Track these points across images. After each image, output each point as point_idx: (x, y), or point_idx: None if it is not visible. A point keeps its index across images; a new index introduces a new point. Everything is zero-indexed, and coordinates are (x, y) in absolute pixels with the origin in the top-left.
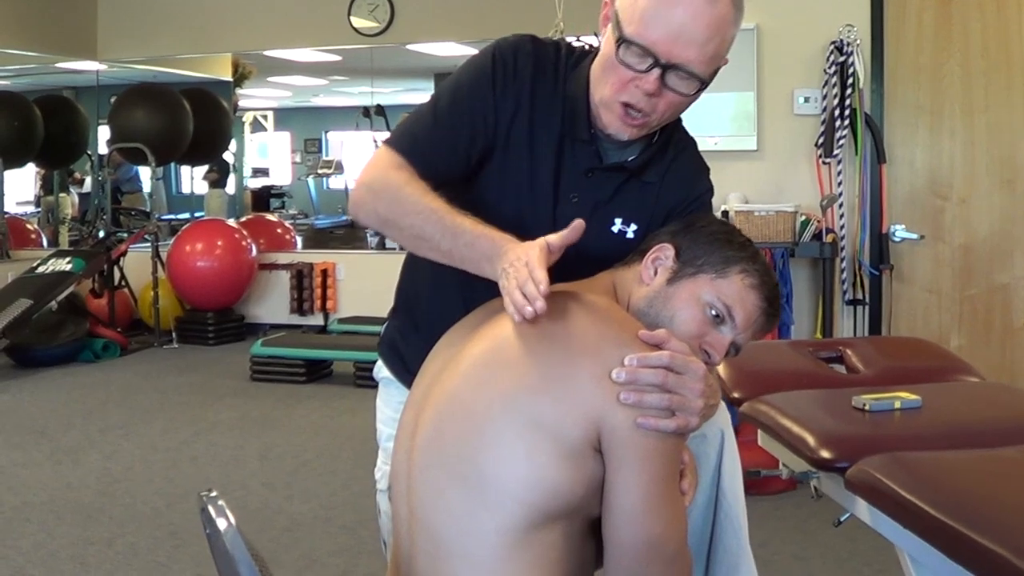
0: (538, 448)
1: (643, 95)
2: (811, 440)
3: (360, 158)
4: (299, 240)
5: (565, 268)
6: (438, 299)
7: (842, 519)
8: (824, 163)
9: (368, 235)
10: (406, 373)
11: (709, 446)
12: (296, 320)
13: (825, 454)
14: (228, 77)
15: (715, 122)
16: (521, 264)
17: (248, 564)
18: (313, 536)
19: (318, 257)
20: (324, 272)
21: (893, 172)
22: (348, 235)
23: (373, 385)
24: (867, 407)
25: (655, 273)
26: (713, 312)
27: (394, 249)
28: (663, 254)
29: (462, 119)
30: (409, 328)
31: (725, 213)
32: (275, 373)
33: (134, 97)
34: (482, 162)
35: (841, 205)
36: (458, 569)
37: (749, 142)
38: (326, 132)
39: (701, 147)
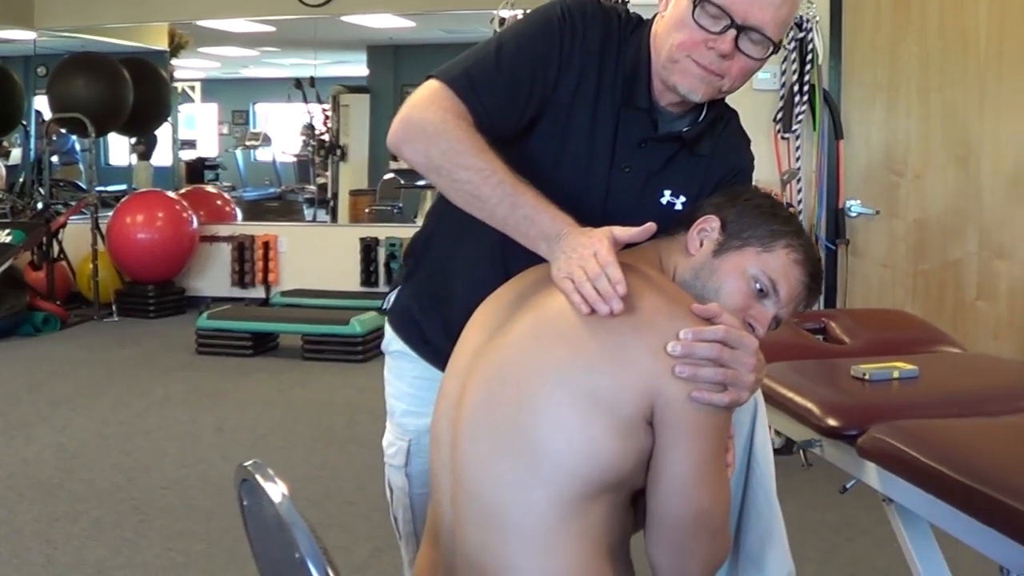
0: (593, 420)
1: (716, 56)
2: (817, 409)
3: (288, 130)
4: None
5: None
6: (473, 268)
7: (848, 486)
8: (783, 138)
9: (304, 207)
10: (424, 344)
11: (743, 413)
12: (237, 293)
13: (833, 422)
14: (164, 47)
15: None
16: (590, 255)
17: (305, 531)
18: None
19: (260, 229)
20: (266, 245)
21: (850, 148)
22: (283, 207)
23: (321, 358)
24: (867, 376)
25: (700, 244)
26: (758, 286)
27: (337, 223)
28: (708, 226)
29: (526, 74)
30: (428, 296)
31: None
32: (221, 346)
33: (73, 67)
34: (533, 122)
35: (799, 180)
36: (508, 539)
37: None
38: (254, 104)
39: None
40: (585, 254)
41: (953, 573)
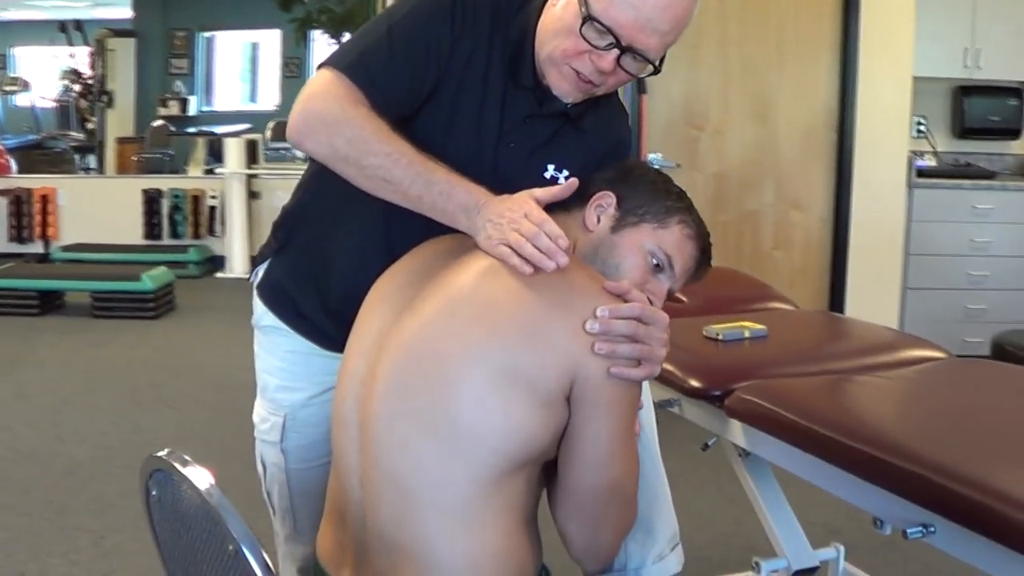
0: (514, 398)
1: (595, 70)
2: (679, 371)
3: (48, 74)
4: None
5: None
6: (354, 244)
7: (710, 443)
8: None
9: (77, 158)
10: (299, 319)
11: None
12: (15, 248)
13: (697, 383)
14: None
15: None
16: (520, 216)
17: (238, 520)
18: (97, 478)
19: (37, 183)
20: (44, 198)
21: (652, 103)
22: (54, 158)
23: (112, 316)
24: (720, 337)
25: (598, 220)
26: (655, 261)
27: (119, 175)
28: (604, 202)
29: (420, 56)
30: (304, 271)
31: None
32: (5, 306)
33: None
34: (424, 101)
35: None
36: (427, 517)
37: None
38: (12, 48)
39: None
40: (515, 217)
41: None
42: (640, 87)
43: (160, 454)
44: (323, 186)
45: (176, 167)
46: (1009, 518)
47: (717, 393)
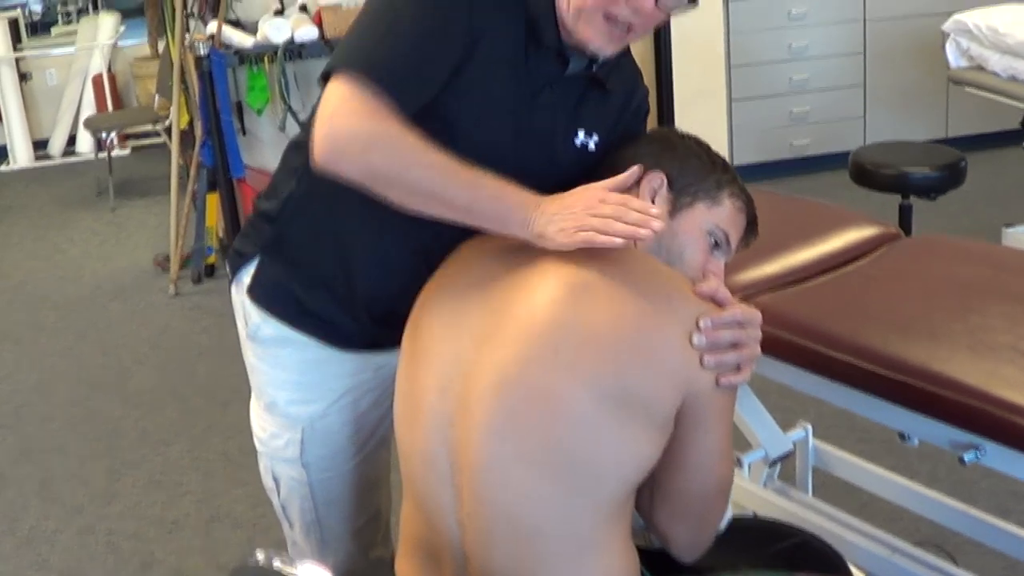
0: (631, 425)
1: (632, 11)
2: None
3: None
4: None
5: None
6: (375, 240)
7: None
8: None
9: None
10: (310, 319)
11: None
12: None
13: None
14: None
15: None
16: (596, 201)
17: None
18: None
19: None
20: None
21: None
22: None
23: None
24: None
25: (654, 205)
26: (713, 240)
27: None
28: (655, 183)
29: (437, 45)
30: (311, 268)
31: (304, 7)
32: None
33: None
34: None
35: None
36: (551, 554)
37: None
38: None
39: None
40: (590, 203)
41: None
42: None
43: (257, 558)
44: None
45: None
46: None
47: None
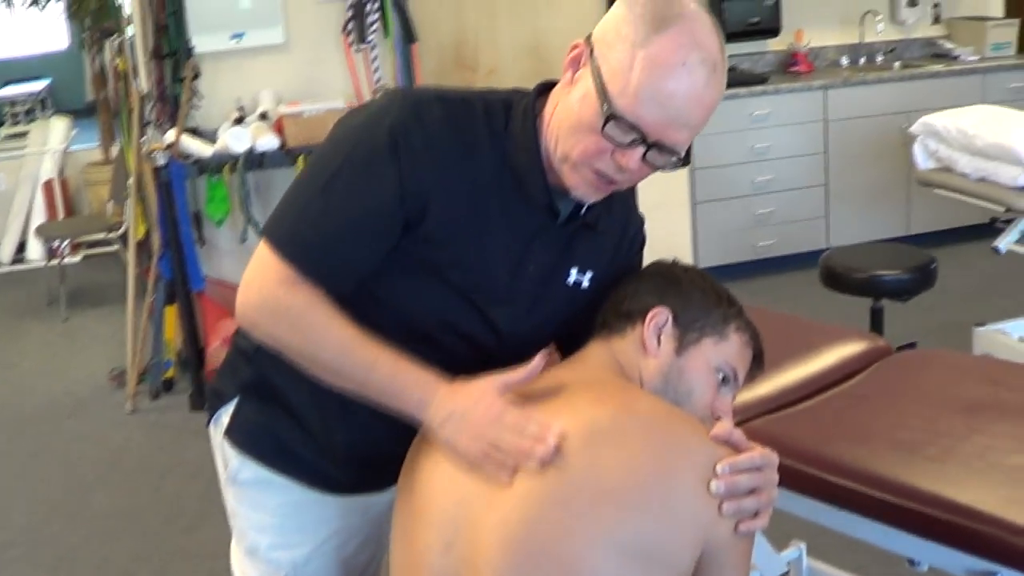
0: None
1: (617, 168)
2: None
3: None
4: None
5: (522, 332)
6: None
7: None
8: (357, 51)
9: None
10: (292, 461)
11: None
12: None
13: None
14: None
15: (235, 16)
16: (488, 422)
17: None
18: None
19: None
20: None
21: (423, 49)
22: None
23: None
24: None
25: (658, 343)
26: (721, 375)
27: None
28: (660, 320)
29: (367, 223)
30: (291, 412)
31: (264, 115)
32: None
33: None
34: (424, 242)
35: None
36: None
37: (276, 35)
38: None
39: (222, 48)
40: (491, 414)
41: None
42: (410, 36)
43: None
44: None
45: None
46: None
47: None
